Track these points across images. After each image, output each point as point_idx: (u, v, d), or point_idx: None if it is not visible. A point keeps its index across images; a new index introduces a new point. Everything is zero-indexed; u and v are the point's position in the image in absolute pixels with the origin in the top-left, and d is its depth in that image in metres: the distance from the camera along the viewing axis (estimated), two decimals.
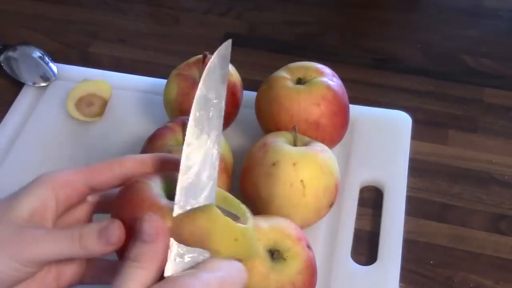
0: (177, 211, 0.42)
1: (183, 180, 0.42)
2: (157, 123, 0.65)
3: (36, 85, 0.78)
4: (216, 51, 0.44)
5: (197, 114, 0.43)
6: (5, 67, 0.80)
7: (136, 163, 0.47)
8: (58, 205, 0.45)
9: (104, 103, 0.74)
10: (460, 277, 0.61)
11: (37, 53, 0.81)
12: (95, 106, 0.74)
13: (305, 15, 0.90)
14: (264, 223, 0.54)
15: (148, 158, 0.47)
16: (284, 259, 0.52)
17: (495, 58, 0.82)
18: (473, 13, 0.89)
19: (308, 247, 0.54)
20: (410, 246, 0.63)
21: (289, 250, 0.53)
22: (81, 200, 0.47)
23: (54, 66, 0.80)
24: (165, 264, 0.41)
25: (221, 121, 0.44)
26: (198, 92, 0.43)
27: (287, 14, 0.90)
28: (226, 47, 0.44)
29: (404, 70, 0.81)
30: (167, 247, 0.41)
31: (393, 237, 0.62)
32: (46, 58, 0.80)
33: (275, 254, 0.52)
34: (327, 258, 0.61)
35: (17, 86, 0.78)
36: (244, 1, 0.92)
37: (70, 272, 0.47)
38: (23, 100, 0.77)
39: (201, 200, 0.43)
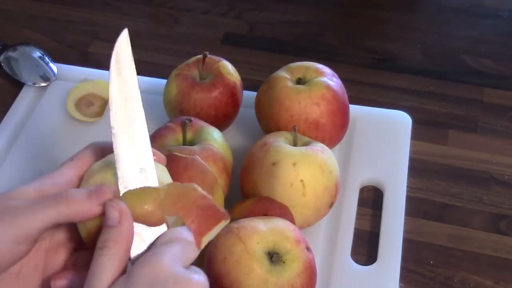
0: (122, 190, 0.44)
1: (120, 162, 0.44)
2: (157, 123, 0.65)
3: (36, 85, 0.78)
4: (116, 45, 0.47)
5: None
6: (5, 67, 0.80)
7: None
8: None
9: (104, 103, 0.74)
10: (460, 277, 0.61)
11: (37, 53, 0.81)
12: (95, 106, 0.74)
13: (305, 15, 0.90)
14: (262, 226, 0.54)
15: None
16: (283, 262, 0.52)
17: (495, 58, 0.82)
18: (473, 13, 0.89)
19: (308, 249, 0.54)
20: (410, 246, 0.63)
21: (288, 253, 0.53)
22: None
23: (54, 66, 0.80)
24: (130, 244, 0.43)
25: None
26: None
27: (287, 14, 0.90)
28: (124, 35, 0.49)
29: (404, 70, 0.81)
30: (131, 228, 0.43)
31: (393, 237, 0.62)
32: (46, 58, 0.80)
33: (274, 257, 0.52)
34: (327, 258, 0.61)
35: (17, 86, 0.78)
36: (244, 1, 0.92)
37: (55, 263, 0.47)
38: (23, 100, 0.77)
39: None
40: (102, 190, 0.43)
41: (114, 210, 0.43)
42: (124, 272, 0.42)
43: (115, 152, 0.44)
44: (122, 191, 0.44)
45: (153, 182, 0.45)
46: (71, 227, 0.47)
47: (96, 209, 0.43)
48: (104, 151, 0.47)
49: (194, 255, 0.43)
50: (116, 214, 0.43)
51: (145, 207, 0.44)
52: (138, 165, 0.45)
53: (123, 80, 0.47)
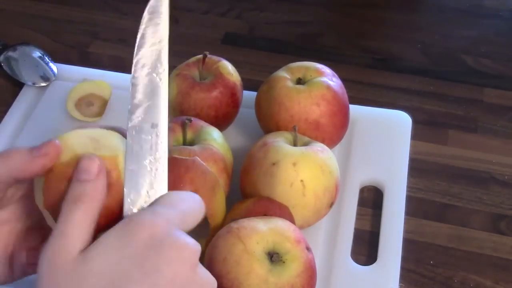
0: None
1: (131, 119, 0.42)
2: None
3: (36, 85, 0.78)
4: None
5: (140, 56, 0.43)
6: (5, 67, 0.80)
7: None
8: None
9: (104, 103, 0.74)
10: (460, 277, 0.61)
11: (37, 53, 0.81)
12: (95, 106, 0.74)
13: (305, 15, 0.90)
14: (262, 226, 0.54)
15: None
16: (283, 262, 0.52)
17: (495, 58, 0.82)
18: (473, 13, 0.89)
19: (308, 249, 0.54)
20: (410, 246, 0.63)
21: (288, 253, 0.53)
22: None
23: (54, 66, 0.80)
24: (103, 203, 0.41)
25: (166, 59, 0.44)
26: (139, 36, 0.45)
27: (287, 14, 0.90)
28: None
29: (404, 70, 0.81)
30: (105, 186, 0.41)
31: (393, 237, 0.62)
32: (46, 58, 0.80)
33: (274, 257, 0.52)
34: (327, 258, 0.61)
35: (17, 86, 0.78)
36: (244, 1, 0.92)
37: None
38: (23, 100, 0.77)
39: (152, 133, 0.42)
40: (46, 143, 0.42)
41: (93, 162, 0.40)
42: (94, 233, 0.40)
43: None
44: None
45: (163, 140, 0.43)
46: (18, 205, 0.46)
47: (38, 162, 0.42)
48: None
49: (196, 221, 0.41)
50: (95, 167, 0.40)
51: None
52: (150, 120, 0.43)
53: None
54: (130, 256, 0.38)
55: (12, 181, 0.42)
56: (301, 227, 0.58)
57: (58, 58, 0.81)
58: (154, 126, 0.43)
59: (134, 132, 0.43)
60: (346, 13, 0.90)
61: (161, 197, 0.42)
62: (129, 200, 0.41)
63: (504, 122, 0.75)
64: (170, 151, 0.58)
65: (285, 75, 0.65)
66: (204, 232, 0.58)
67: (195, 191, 0.54)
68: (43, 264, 0.38)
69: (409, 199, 0.66)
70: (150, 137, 0.43)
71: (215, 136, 0.61)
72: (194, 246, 0.39)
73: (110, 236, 0.39)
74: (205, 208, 0.42)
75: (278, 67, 0.67)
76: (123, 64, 0.83)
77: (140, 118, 0.43)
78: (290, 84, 0.64)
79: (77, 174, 0.40)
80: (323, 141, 0.62)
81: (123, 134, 0.45)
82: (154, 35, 0.45)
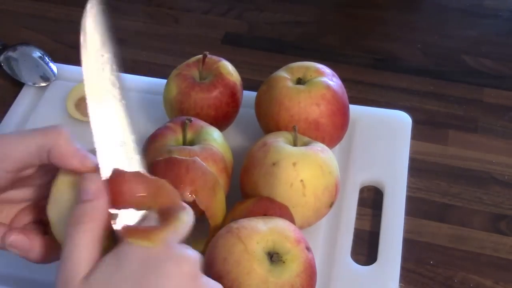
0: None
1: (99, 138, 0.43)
2: (157, 123, 0.65)
3: (36, 85, 0.78)
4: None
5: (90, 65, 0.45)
6: (5, 67, 0.80)
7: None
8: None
9: None
10: (460, 277, 0.61)
11: (37, 53, 0.81)
12: None
13: (305, 15, 0.90)
14: (262, 226, 0.54)
15: None
16: (283, 262, 0.52)
17: (495, 58, 0.82)
18: (473, 13, 0.89)
19: (308, 249, 0.54)
20: (410, 246, 0.63)
21: (288, 252, 0.53)
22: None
23: (54, 66, 0.80)
24: (108, 222, 0.40)
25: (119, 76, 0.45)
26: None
27: (287, 14, 0.90)
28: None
29: (404, 70, 0.81)
30: (107, 204, 0.41)
31: (393, 237, 0.62)
32: (46, 58, 0.80)
33: (274, 257, 0.52)
34: (327, 258, 0.61)
35: (17, 86, 0.78)
36: (244, 1, 0.92)
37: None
38: (23, 100, 0.77)
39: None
40: (89, 156, 0.43)
41: (92, 183, 0.41)
42: (100, 253, 0.40)
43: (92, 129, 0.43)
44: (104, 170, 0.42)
45: (134, 156, 0.43)
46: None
47: (73, 162, 0.42)
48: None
49: (184, 234, 0.42)
50: (93, 187, 0.40)
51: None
52: (118, 138, 0.43)
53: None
54: (128, 277, 0.38)
55: (45, 159, 0.43)
56: (301, 227, 0.58)
57: (58, 58, 0.81)
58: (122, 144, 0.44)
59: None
60: (346, 13, 0.90)
61: None
62: None
63: (504, 122, 0.75)
64: (170, 152, 0.58)
65: (285, 75, 0.65)
66: (204, 232, 0.58)
67: (195, 191, 0.54)
68: None
69: (409, 199, 0.66)
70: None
71: (215, 136, 0.61)
72: (193, 257, 0.39)
73: (106, 259, 0.39)
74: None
75: (278, 67, 0.67)
76: (123, 64, 0.82)
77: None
78: (290, 84, 0.64)
79: (79, 194, 0.41)
80: (323, 141, 0.62)
81: None
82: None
